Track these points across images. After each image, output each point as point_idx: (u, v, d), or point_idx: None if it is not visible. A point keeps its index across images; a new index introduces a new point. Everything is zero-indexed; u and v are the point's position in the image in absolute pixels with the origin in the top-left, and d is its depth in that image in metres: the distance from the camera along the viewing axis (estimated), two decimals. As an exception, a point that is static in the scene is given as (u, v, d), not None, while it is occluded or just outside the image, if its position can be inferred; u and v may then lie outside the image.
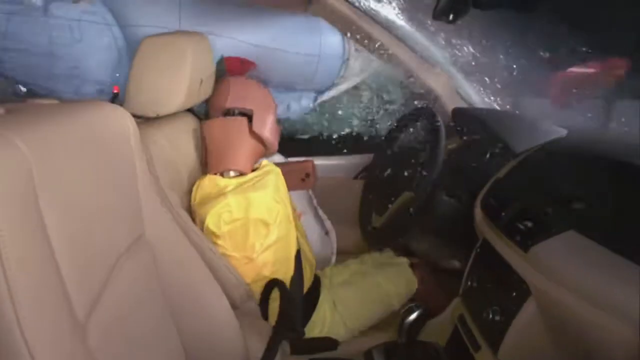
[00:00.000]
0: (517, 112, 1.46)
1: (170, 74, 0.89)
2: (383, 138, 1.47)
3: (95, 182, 0.56)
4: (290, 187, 1.07)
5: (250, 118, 1.00)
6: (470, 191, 1.05)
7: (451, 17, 0.78)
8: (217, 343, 0.76)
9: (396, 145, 1.39)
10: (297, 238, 1.05)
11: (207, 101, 1.06)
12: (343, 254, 1.38)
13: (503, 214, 0.86)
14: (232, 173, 0.97)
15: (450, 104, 1.40)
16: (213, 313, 0.77)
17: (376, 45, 1.36)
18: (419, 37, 1.38)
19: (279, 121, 1.13)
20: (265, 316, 0.95)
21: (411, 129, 1.35)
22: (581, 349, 0.64)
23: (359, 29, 1.32)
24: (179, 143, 0.97)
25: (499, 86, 1.42)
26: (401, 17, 1.33)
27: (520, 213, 0.83)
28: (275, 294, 0.96)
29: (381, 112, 1.64)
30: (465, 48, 1.39)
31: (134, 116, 0.90)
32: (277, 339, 0.83)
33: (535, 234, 0.74)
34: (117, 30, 1.27)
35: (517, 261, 0.76)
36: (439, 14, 0.81)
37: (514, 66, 1.38)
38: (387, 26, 1.35)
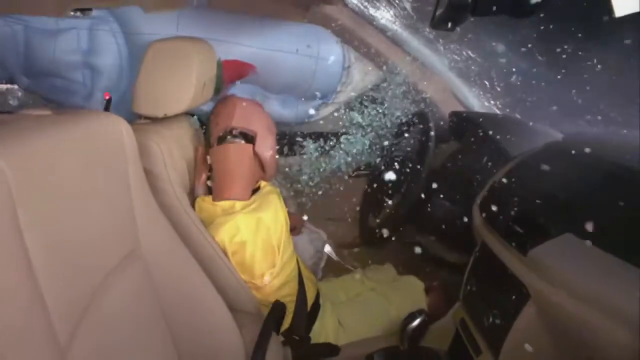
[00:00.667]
0: (514, 115, 1.47)
1: (177, 76, 0.92)
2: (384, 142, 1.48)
3: (84, 197, 0.54)
4: None
5: (253, 140, 0.99)
6: (467, 194, 1.06)
7: (449, 25, 0.79)
8: (216, 351, 0.76)
9: (393, 148, 1.41)
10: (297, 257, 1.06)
11: (208, 119, 1.07)
12: (336, 268, 1.38)
13: (501, 217, 0.86)
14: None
15: (448, 108, 1.42)
16: (212, 322, 0.77)
17: (375, 52, 1.38)
18: (417, 43, 1.39)
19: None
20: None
21: (406, 134, 1.37)
22: (581, 351, 0.64)
23: (357, 36, 1.34)
24: (184, 143, 0.98)
25: (498, 89, 1.43)
26: (399, 24, 1.35)
27: (518, 216, 0.83)
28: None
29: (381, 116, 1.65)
30: (464, 53, 1.40)
31: (144, 117, 0.93)
32: (268, 326, 0.81)
33: (534, 237, 0.74)
34: (121, 37, 1.30)
35: (516, 264, 0.76)
36: (437, 23, 0.82)
37: (513, 70, 1.39)
38: (385, 33, 1.36)
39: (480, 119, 1.28)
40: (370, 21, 1.38)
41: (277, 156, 1.08)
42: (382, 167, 1.41)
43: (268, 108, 1.30)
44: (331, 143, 1.56)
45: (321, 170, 1.52)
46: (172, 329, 0.71)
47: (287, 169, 1.55)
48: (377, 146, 1.57)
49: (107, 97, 1.02)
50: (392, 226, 1.21)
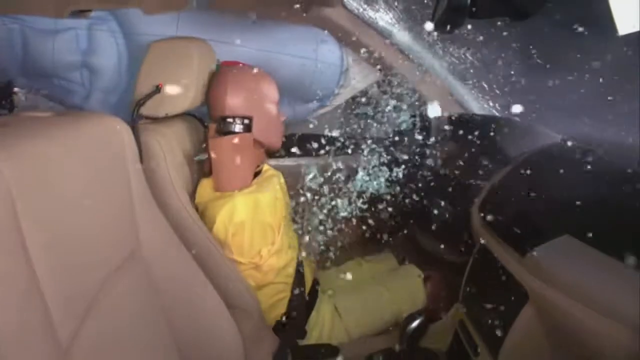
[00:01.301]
0: (513, 117, 1.47)
1: (178, 76, 0.92)
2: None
3: (84, 198, 0.54)
4: None
5: (250, 126, 0.99)
6: (466, 196, 1.06)
7: (449, 27, 0.80)
8: (216, 350, 0.77)
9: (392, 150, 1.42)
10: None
11: (206, 99, 1.05)
12: (336, 257, 1.39)
13: (500, 218, 0.87)
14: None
15: (447, 110, 1.42)
16: (211, 321, 0.77)
17: (373, 55, 1.38)
18: (416, 46, 1.40)
19: (281, 114, 1.08)
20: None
21: (406, 138, 1.37)
22: (579, 353, 0.65)
23: (356, 38, 1.34)
24: (185, 143, 0.99)
25: (497, 92, 1.43)
26: (398, 27, 1.35)
27: (517, 218, 0.83)
28: (275, 300, 0.97)
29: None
30: (463, 55, 1.41)
31: (144, 117, 0.93)
32: (284, 348, 0.82)
33: (532, 239, 0.74)
34: (120, 37, 1.30)
35: (515, 266, 0.76)
36: (436, 26, 0.82)
37: (512, 72, 1.40)
38: (384, 36, 1.37)
39: (479, 121, 1.28)
40: (369, 24, 1.39)
41: (283, 120, 1.07)
42: (380, 170, 1.41)
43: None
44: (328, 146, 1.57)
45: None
46: (172, 328, 0.71)
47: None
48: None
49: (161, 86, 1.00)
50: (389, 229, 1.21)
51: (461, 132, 1.34)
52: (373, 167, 1.54)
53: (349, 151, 1.57)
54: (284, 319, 1.01)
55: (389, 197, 1.31)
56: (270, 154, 1.15)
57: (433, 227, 1.19)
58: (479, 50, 1.36)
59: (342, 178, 1.53)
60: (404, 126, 1.45)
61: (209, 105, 1.02)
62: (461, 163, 1.25)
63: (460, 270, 0.99)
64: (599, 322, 0.59)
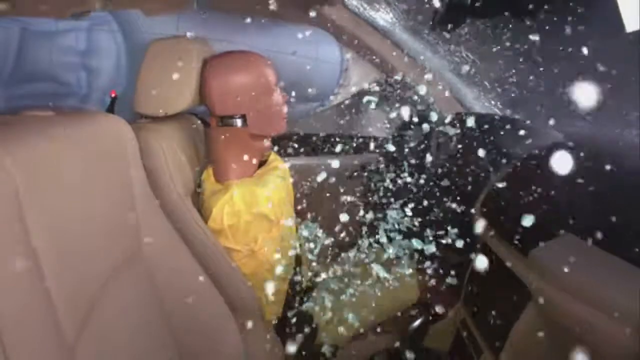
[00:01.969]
0: (514, 116, 1.47)
1: (178, 75, 0.92)
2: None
3: (86, 198, 0.55)
4: None
5: (245, 122, 0.94)
6: (468, 195, 1.06)
7: (449, 26, 0.80)
8: (216, 351, 0.77)
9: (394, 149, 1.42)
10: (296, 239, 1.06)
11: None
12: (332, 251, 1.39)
13: (502, 218, 0.87)
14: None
15: (448, 109, 1.42)
16: (212, 321, 0.77)
17: (374, 54, 1.38)
18: (417, 45, 1.40)
19: (283, 91, 1.01)
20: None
21: (407, 136, 1.37)
22: (582, 351, 0.64)
23: (356, 37, 1.34)
24: (186, 142, 0.99)
25: (498, 90, 1.43)
26: (399, 26, 1.35)
27: (519, 217, 0.83)
28: (272, 297, 0.97)
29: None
30: (464, 54, 1.41)
31: (144, 116, 0.93)
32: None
33: (535, 238, 0.75)
34: (120, 37, 1.30)
35: (517, 265, 0.76)
36: (437, 25, 0.82)
37: (513, 71, 1.40)
38: (384, 35, 1.37)
39: (481, 120, 1.28)
40: (369, 23, 1.38)
41: (284, 102, 1.00)
42: (382, 168, 1.42)
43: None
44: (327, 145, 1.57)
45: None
46: (173, 328, 0.71)
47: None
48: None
49: (114, 95, 1.00)
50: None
51: (462, 131, 1.34)
52: (373, 166, 1.54)
53: (350, 150, 1.58)
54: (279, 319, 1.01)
55: (389, 196, 1.31)
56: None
57: (434, 227, 1.19)
58: (480, 49, 1.36)
59: (343, 177, 1.54)
60: (404, 125, 1.45)
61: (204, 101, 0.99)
62: (462, 162, 1.25)
63: (463, 269, 0.99)
64: (601, 320, 0.59)
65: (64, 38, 1.25)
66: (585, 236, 0.68)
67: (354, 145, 1.60)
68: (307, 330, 1.03)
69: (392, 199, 1.26)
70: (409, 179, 1.29)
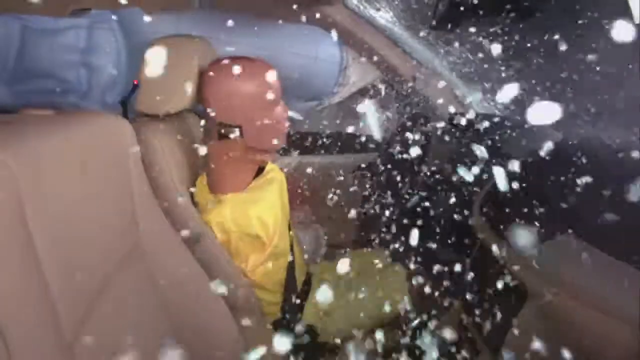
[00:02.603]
0: (514, 115, 1.47)
1: (179, 74, 0.92)
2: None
3: (86, 195, 0.55)
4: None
5: (241, 133, 0.88)
6: (466, 194, 1.06)
7: (450, 26, 0.80)
8: (216, 348, 0.77)
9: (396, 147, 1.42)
10: (293, 245, 1.05)
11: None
12: (333, 248, 1.40)
13: (500, 218, 0.87)
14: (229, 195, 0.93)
15: (448, 109, 1.42)
16: (212, 320, 0.77)
17: (373, 53, 1.38)
18: (417, 44, 1.40)
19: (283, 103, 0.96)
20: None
21: (407, 135, 1.37)
22: (580, 350, 0.65)
23: (356, 37, 1.34)
24: (186, 141, 0.99)
25: (498, 90, 1.43)
26: (399, 25, 1.35)
27: (517, 217, 0.83)
28: (269, 298, 0.97)
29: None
30: (463, 53, 1.41)
31: (145, 115, 0.93)
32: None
33: (532, 238, 0.75)
34: (120, 35, 1.30)
35: (515, 265, 0.76)
36: (437, 24, 0.82)
37: (512, 70, 1.40)
38: (384, 34, 1.37)
39: (481, 120, 1.28)
40: (369, 22, 1.38)
41: (286, 117, 0.95)
42: (382, 167, 1.42)
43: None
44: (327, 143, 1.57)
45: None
46: (173, 326, 0.71)
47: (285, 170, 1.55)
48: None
49: (136, 83, 0.96)
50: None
51: (462, 130, 1.34)
52: (373, 165, 1.54)
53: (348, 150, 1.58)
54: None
55: (388, 195, 1.31)
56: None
57: (433, 226, 1.19)
58: (481, 48, 1.36)
59: (343, 175, 1.54)
60: (403, 124, 1.45)
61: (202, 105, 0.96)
62: (462, 161, 1.25)
63: (461, 269, 0.99)
64: (599, 320, 0.59)
65: (64, 36, 1.26)
66: (583, 236, 0.68)
67: (353, 144, 1.60)
68: (305, 329, 1.03)
69: (390, 198, 1.26)
70: (407, 178, 1.29)
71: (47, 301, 0.44)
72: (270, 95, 0.88)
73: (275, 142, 0.94)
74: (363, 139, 1.67)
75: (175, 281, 0.73)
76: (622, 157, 0.85)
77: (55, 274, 0.45)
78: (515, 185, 0.97)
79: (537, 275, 0.70)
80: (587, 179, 0.83)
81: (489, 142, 1.18)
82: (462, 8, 0.81)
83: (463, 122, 1.37)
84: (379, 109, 1.65)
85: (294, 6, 1.28)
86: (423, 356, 0.91)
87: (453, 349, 0.90)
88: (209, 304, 0.78)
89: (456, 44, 1.36)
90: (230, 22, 1.37)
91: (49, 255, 0.45)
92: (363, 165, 1.58)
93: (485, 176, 1.07)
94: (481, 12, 0.86)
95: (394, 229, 1.26)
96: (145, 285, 0.67)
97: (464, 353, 0.87)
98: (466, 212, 1.04)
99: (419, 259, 1.29)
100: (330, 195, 1.49)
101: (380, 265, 1.25)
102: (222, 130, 0.88)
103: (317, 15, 1.33)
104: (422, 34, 1.36)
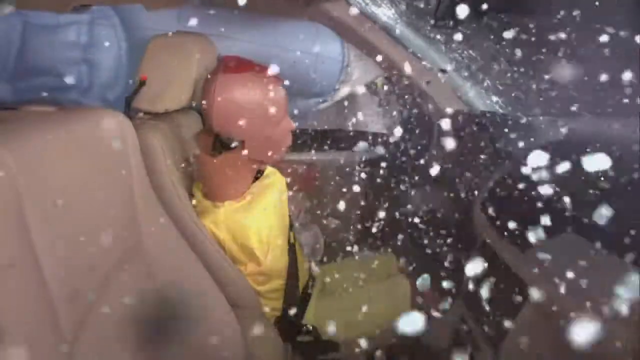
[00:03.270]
0: (516, 113, 1.47)
1: (178, 72, 0.92)
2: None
3: (86, 193, 0.55)
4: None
5: (242, 146, 0.86)
6: (468, 192, 1.06)
7: (451, 23, 0.79)
8: (217, 346, 0.77)
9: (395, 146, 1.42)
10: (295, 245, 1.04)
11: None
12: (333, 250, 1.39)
13: (502, 215, 0.86)
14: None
15: (449, 107, 1.41)
16: (213, 317, 0.77)
17: (375, 50, 1.37)
18: (418, 41, 1.39)
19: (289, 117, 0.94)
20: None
21: (407, 134, 1.37)
22: (580, 350, 0.64)
23: (357, 34, 1.33)
24: (186, 139, 0.99)
25: (500, 87, 1.42)
26: (401, 22, 1.34)
27: (518, 215, 0.83)
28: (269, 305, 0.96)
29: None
30: (465, 51, 1.40)
31: (144, 112, 0.93)
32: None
33: (534, 236, 0.74)
34: (121, 32, 1.30)
35: (516, 263, 0.76)
36: (439, 21, 0.82)
37: (515, 68, 1.39)
38: (386, 31, 1.36)
39: (482, 117, 1.28)
40: (371, 19, 1.38)
41: (289, 131, 0.92)
42: (385, 165, 1.41)
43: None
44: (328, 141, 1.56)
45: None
46: (173, 325, 0.71)
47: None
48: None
49: (144, 79, 0.92)
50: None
51: (463, 129, 1.34)
52: (374, 164, 1.54)
53: (350, 147, 1.57)
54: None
55: (390, 194, 1.31)
56: None
57: (434, 224, 1.19)
58: (482, 46, 1.35)
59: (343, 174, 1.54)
60: (405, 122, 1.45)
61: (204, 117, 0.90)
62: (463, 160, 1.24)
63: (461, 268, 0.99)
64: (599, 319, 0.58)
65: (65, 32, 1.26)
66: (585, 234, 0.68)
67: (354, 141, 1.60)
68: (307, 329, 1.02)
69: (391, 196, 1.26)
70: (408, 177, 1.29)
71: (46, 300, 0.44)
72: (277, 111, 0.85)
73: (276, 156, 0.92)
74: (365, 136, 1.67)
75: (175, 280, 0.73)
76: (624, 154, 0.84)
77: (54, 273, 0.45)
78: (515, 183, 0.96)
79: (538, 273, 0.70)
80: (586, 178, 0.82)
81: (491, 140, 1.17)
82: (463, 5, 0.81)
83: (463, 119, 1.36)
84: (381, 106, 1.65)
85: (296, 3, 1.28)
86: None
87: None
88: (209, 301, 0.78)
89: (459, 41, 1.36)
90: (230, 19, 1.37)
91: (48, 254, 0.45)
92: (365, 161, 1.58)
93: (487, 174, 1.07)
94: (482, 9, 0.85)
95: (395, 227, 1.26)
96: (146, 283, 0.67)
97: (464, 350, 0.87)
98: (467, 210, 1.04)
99: (419, 253, 1.29)
100: (331, 193, 1.49)
101: (386, 271, 1.24)
102: (221, 141, 0.84)
103: (318, 12, 1.33)
104: (424, 30, 1.35)
